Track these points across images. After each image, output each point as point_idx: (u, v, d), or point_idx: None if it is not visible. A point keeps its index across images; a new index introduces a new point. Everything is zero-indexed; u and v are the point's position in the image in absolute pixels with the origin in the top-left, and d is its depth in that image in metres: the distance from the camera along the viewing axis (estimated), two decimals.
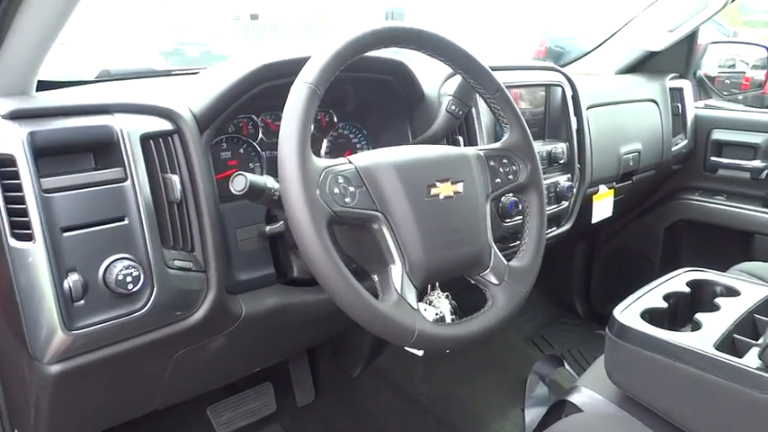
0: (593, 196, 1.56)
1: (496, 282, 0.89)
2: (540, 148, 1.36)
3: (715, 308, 1.00)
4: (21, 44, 0.79)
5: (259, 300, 0.95)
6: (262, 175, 1.09)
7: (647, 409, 0.96)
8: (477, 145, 1.17)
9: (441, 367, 1.52)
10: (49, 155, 0.73)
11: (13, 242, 0.70)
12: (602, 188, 1.60)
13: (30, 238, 0.70)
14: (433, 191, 0.84)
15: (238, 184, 0.78)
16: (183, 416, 1.32)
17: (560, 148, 1.39)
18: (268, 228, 0.94)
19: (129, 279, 0.74)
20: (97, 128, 0.75)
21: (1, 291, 0.75)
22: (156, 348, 0.82)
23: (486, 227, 0.89)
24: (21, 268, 0.70)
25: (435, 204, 0.84)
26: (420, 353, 1.05)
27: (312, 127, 0.76)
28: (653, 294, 1.07)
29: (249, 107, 0.98)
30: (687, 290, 1.09)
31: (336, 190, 0.76)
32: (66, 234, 0.72)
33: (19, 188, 0.69)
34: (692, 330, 0.99)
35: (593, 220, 1.58)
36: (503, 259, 0.91)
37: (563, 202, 1.40)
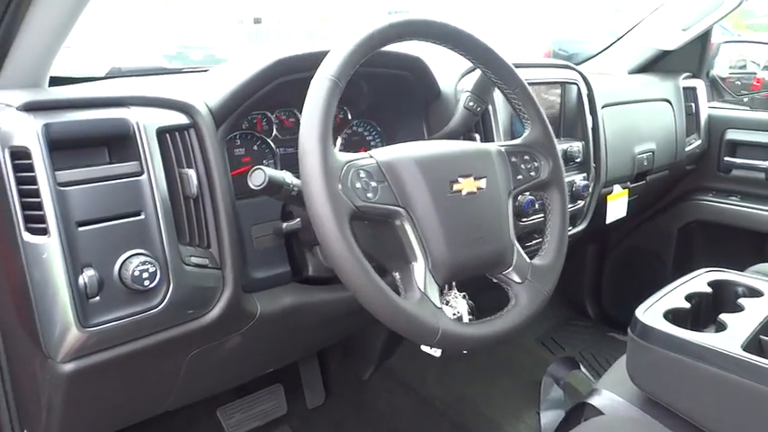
0: (608, 196, 1.54)
1: (519, 280, 0.87)
2: None
3: (739, 308, 0.98)
4: (34, 38, 0.78)
5: (275, 298, 0.93)
6: None
7: (669, 411, 0.94)
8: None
9: (454, 369, 1.49)
10: (63, 148, 0.71)
11: (27, 237, 0.68)
12: (617, 188, 1.58)
13: (44, 232, 0.68)
14: (456, 186, 0.82)
15: (257, 178, 0.76)
16: (194, 417, 1.30)
17: (576, 146, 1.37)
18: (285, 224, 0.92)
19: (145, 275, 0.72)
20: (113, 120, 0.74)
21: (14, 287, 0.73)
22: (171, 347, 0.80)
23: (509, 224, 0.87)
24: (35, 263, 0.68)
25: (458, 200, 0.82)
26: (437, 353, 1.03)
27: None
28: (674, 295, 1.05)
29: (263, 103, 0.96)
30: (709, 290, 1.07)
31: (358, 185, 0.74)
32: (81, 228, 0.70)
33: (33, 181, 0.68)
34: (716, 331, 0.97)
35: (608, 221, 1.56)
36: (525, 257, 0.89)
37: (579, 202, 1.38)
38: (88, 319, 0.70)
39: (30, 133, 0.68)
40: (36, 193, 0.67)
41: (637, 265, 2.00)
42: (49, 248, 0.68)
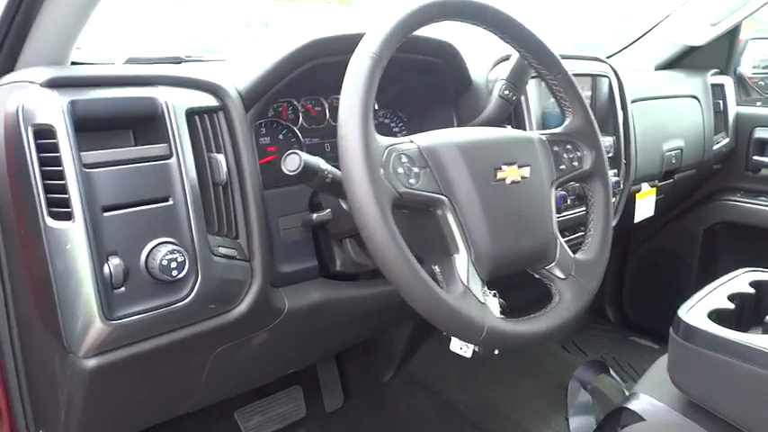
0: (637, 194, 1.50)
1: (563, 276, 0.82)
2: None
3: None
4: (56, 16, 0.74)
5: (302, 294, 0.89)
6: None
7: (713, 415, 0.90)
8: None
9: (476, 372, 1.44)
10: (87, 130, 0.67)
11: (50, 222, 0.64)
12: (645, 186, 1.53)
13: (68, 217, 0.63)
14: (499, 174, 0.77)
15: (292, 163, 0.72)
16: (210, 419, 1.25)
17: (607, 141, 1.33)
18: (314, 215, 0.88)
19: (173, 265, 0.67)
20: (141, 99, 0.69)
21: (34, 276, 0.69)
22: (197, 343, 0.76)
23: (552, 216, 0.83)
24: (58, 251, 0.64)
25: (502, 189, 0.77)
26: (468, 354, 0.98)
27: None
28: (716, 295, 1.01)
29: (290, 91, 0.92)
30: (751, 291, 1.02)
31: (401, 170, 0.70)
32: (107, 214, 0.65)
33: (58, 162, 0.63)
34: (763, 332, 0.93)
35: (636, 220, 1.52)
36: (569, 252, 0.84)
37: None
38: (113, 311, 0.65)
39: (54, 110, 0.63)
40: (60, 175, 0.63)
41: (660, 267, 1.94)
42: (73, 234, 0.63)
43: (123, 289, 0.66)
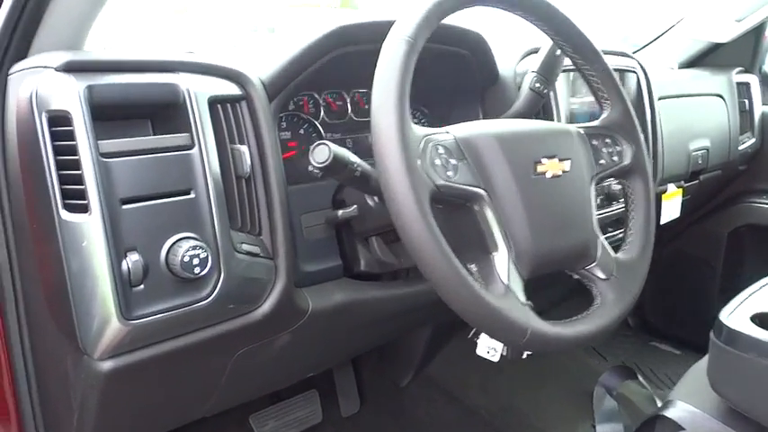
0: (663, 195, 1.45)
1: (604, 277, 0.78)
2: None
3: None
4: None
5: (326, 294, 0.84)
6: None
7: (755, 423, 0.85)
8: None
9: (497, 377, 1.40)
10: (102, 119, 0.63)
11: (65, 215, 0.60)
12: (671, 187, 1.48)
13: (85, 209, 0.59)
14: (540, 168, 0.73)
15: (320, 154, 0.68)
16: (224, 424, 1.20)
17: None
18: (340, 212, 0.83)
19: (195, 261, 0.63)
20: (162, 86, 0.65)
21: (46, 274, 0.65)
22: (218, 345, 0.72)
23: (593, 213, 0.79)
24: (73, 246, 0.60)
25: (542, 183, 0.73)
26: (496, 358, 0.94)
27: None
28: (759, 298, 0.96)
29: (311, 83, 0.88)
30: None
31: (438, 161, 0.65)
32: (125, 207, 0.61)
33: (74, 150, 0.59)
34: None
35: (662, 221, 1.47)
36: (610, 251, 0.80)
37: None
38: (131, 310, 0.61)
39: (71, 96, 0.59)
40: (76, 165, 0.59)
41: (683, 270, 1.89)
42: (90, 228, 0.59)
43: (142, 287, 0.62)
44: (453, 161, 0.67)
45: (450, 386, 1.40)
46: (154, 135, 0.68)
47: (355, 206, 0.83)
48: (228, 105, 0.71)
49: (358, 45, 0.85)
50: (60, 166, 0.60)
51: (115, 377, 0.64)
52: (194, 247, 0.63)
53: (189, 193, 0.65)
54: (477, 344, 0.93)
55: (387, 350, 1.44)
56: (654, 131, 1.35)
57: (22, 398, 0.73)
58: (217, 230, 0.66)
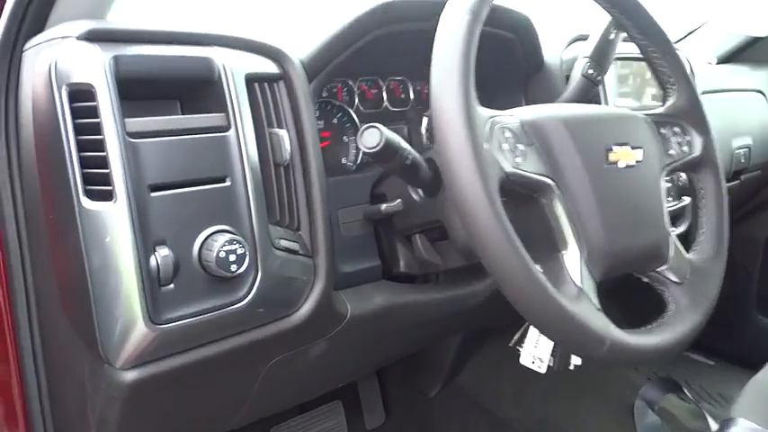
0: None
1: (677, 280, 0.70)
2: None
3: None
4: None
5: (365, 298, 0.77)
6: (358, 151, 0.93)
7: None
8: None
9: (531, 388, 1.31)
10: (127, 98, 0.55)
11: (86, 202, 0.52)
12: None
13: (109, 196, 0.52)
14: (611, 156, 0.65)
15: (371, 138, 0.61)
16: None
17: None
18: (384, 206, 0.76)
19: (232, 258, 0.55)
20: (195, 60, 0.58)
21: (63, 270, 0.57)
22: (252, 353, 0.64)
23: (665, 208, 0.71)
24: (95, 238, 0.52)
25: (614, 174, 0.65)
26: (543, 369, 0.86)
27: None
28: None
29: (347, 69, 0.81)
30: None
31: (506, 146, 0.58)
32: (154, 194, 0.54)
33: (97, 129, 0.52)
34: None
35: None
36: (683, 252, 0.72)
37: (684, 198, 1.21)
38: (159, 313, 0.54)
39: (95, 67, 0.52)
40: (100, 145, 0.52)
41: None
42: (115, 218, 0.52)
43: (172, 286, 0.54)
44: (521, 146, 0.59)
45: (481, 397, 1.32)
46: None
47: (399, 200, 0.76)
48: (266, 85, 0.64)
49: (402, 24, 0.78)
50: (82, 146, 0.52)
51: (139, 389, 0.56)
52: (231, 242, 0.56)
53: (224, 181, 0.58)
54: (519, 353, 0.86)
55: (413, 358, 1.36)
56: None
57: (33, 411, 0.65)
58: (254, 223, 0.59)
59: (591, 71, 0.90)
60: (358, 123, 0.91)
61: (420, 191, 0.76)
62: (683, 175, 1.10)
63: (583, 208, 0.62)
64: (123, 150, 0.52)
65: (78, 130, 0.52)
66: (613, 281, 0.68)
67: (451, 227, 0.73)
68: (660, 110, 0.78)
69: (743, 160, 1.46)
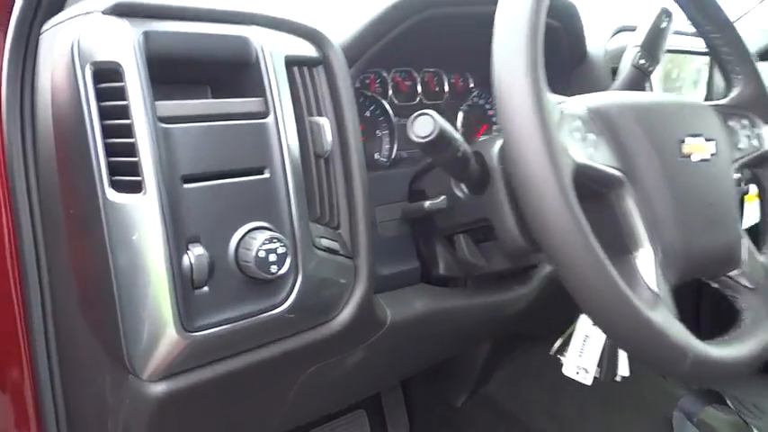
0: (746, 196, 1.31)
1: (751, 285, 0.64)
2: None
3: None
4: None
5: (405, 303, 0.71)
6: (392, 146, 0.87)
7: None
8: None
9: (565, 399, 1.25)
10: (154, 82, 0.50)
11: (112, 195, 0.47)
12: (753, 188, 1.34)
13: (138, 188, 0.46)
14: (684, 149, 0.60)
15: (424, 126, 0.55)
16: None
17: None
18: (428, 203, 0.70)
19: (272, 258, 0.50)
20: (232, 39, 0.52)
21: (83, 271, 0.52)
22: (288, 363, 0.58)
23: (737, 207, 0.65)
24: (121, 234, 0.47)
25: (689, 168, 0.59)
26: (588, 381, 0.81)
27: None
28: None
29: (381, 58, 0.75)
30: None
31: (577, 135, 0.52)
32: (187, 186, 0.48)
33: (125, 113, 0.46)
34: None
35: (744, 225, 1.32)
36: (757, 254, 0.66)
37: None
38: (192, 319, 0.48)
39: (123, 44, 0.47)
40: (128, 131, 0.46)
41: None
42: (144, 212, 0.46)
43: (206, 289, 0.49)
44: (592, 136, 0.54)
45: (511, 407, 1.25)
46: None
47: (444, 197, 0.70)
48: (305, 69, 0.59)
49: (446, 7, 0.73)
50: (107, 133, 0.47)
51: (168, 402, 0.51)
52: (271, 240, 0.50)
53: (262, 173, 0.52)
54: (560, 362, 0.81)
55: (438, 365, 1.30)
56: None
57: (48, 426, 0.59)
58: (294, 220, 0.53)
59: (642, 61, 0.84)
60: (392, 116, 0.85)
61: (464, 187, 0.71)
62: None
63: (657, 205, 0.56)
64: (154, 136, 0.46)
65: (104, 114, 0.47)
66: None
67: (501, 226, 0.68)
68: (725, 101, 0.72)
69: None
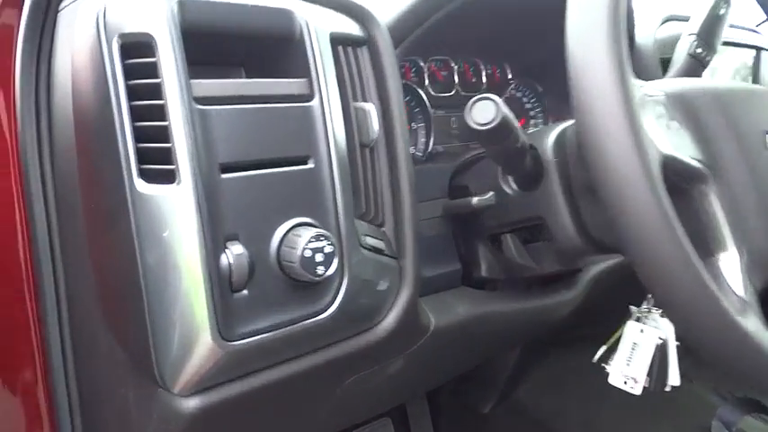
0: None
1: None
2: None
3: None
4: None
5: (447, 307, 0.66)
6: (428, 139, 0.82)
7: None
8: None
9: (599, 407, 1.19)
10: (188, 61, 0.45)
11: (141, 185, 0.42)
12: None
13: (172, 177, 0.41)
14: None
15: (485, 112, 0.50)
16: None
17: None
18: (475, 200, 0.65)
19: (319, 258, 0.44)
20: (275, 12, 0.47)
21: (106, 272, 0.46)
22: (330, 372, 0.53)
23: None
24: (151, 230, 0.41)
25: None
26: (637, 391, 0.76)
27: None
28: None
29: (418, 46, 0.70)
30: None
31: (663, 122, 0.47)
32: (225, 176, 0.43)
33: (157, 92, 0.41)
34: None
35: None
36: None
37: None
38: (231, 326, 0.43)
39: (156, 13, 0.41)
40: (160, 113, 0.41)
41: None
42: (178, 204, 0.41)
43: (246, 292, 0.43)
44: (675, 124, 0.48)
45: (542, 415, 1.20)
46: None
47: (492, 193, 0.65)
48: (350, 49, 0.53)
49: None
50: (136, 115, 0.42)
51: (201, 419, 0.45)
52: (317, 238, 0.44)
53: (306, 162, 0.47)
54: (606, 371, 0.76)
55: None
56: None
57: None
58: (340, 216, 0.48)
59: (699, 50, 0.78)
60: (429, 107, 0.80)
61: (513, 183, 0.65)
62: None
63: (741, 203, 0.50)
64: (190, 119, 0.41)
65: (132, 93, 0.41)
66: None
67: (556, 225, 0.62)
68: None
69: None
